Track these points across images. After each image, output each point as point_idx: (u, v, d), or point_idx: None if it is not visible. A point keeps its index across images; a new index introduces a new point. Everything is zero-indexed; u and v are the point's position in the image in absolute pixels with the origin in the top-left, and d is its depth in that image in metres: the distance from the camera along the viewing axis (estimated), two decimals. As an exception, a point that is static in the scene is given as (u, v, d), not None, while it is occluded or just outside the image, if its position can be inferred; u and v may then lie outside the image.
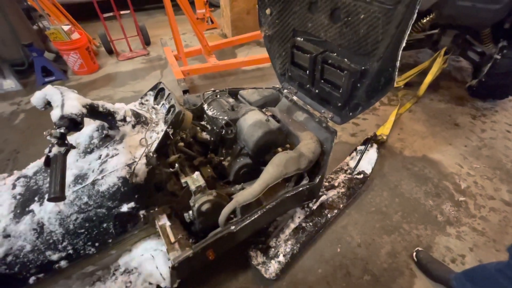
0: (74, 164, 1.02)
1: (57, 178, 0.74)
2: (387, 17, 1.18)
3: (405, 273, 1.41)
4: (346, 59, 1.44)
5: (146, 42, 3.58)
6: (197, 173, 1.14)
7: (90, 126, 1.11)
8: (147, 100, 1.35)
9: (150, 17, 4.78)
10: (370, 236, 1.57)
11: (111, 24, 3.87)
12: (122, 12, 3.36)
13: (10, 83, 2.78)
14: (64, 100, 0.87)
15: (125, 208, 1.01)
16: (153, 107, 1.27)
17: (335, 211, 1.61)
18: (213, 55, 2.96)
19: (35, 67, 2.78)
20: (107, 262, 1.18)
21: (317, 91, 1.68)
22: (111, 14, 3.18)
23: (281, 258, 1.40)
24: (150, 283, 1.16)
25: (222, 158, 1.40)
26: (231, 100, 1.54)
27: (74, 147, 0.91)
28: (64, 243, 0.97)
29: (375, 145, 1.93)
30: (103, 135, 1.05)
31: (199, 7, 2.64)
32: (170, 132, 1.07)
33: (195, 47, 3.13)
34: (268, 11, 1.72)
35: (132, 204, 1.02)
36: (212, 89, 1.65)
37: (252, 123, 1.34)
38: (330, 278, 1.40)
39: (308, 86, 1.73)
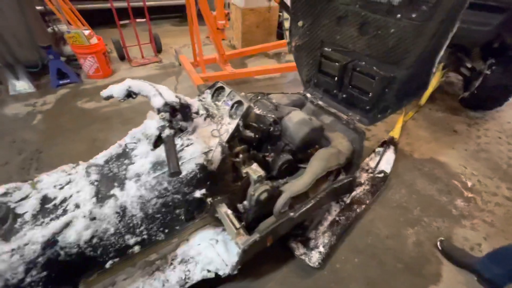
0: (149, 153, 1.08)
1: (173, 155, 0.81)
2: (417, 31, 1.36)
3: (432, 260, 1.55)
4: (374, 67, 1.62)
5: (158, 49, 3.66)
6: (255, 164, 1.23)
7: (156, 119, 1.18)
8: (204, 98, 1.44)
9: (157, 26, 4.88)
10: (396, 228, 1.70)
11: (123, 31, 3.94)
12: (138, 20, 3.45)
13: (23, 85, 2.74)
14: (159, 90, 0.95)
15: (198, 194, 1.08)
16: (215, 103, 1.36)
17: (363, 206, 1.74)
18: (229, 64, 3.10)
19: (51, 69, 2.77)
20: (166, 251, 1.22)
21: (344, 95, 1.85)
22: (127, 21, 3.26)
23: (321, 248, 1.49)
24: (208, 271, 1.21)
25: (267, 154, 1.50)
26: (273, 101, 1.66)
27: (182, 130, 0.99)
28: (142, 228, 1.02)
29: (392, 147, 2.11)
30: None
31: (220, 18, 2.80)
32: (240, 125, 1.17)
33: (210, 55, 3.25)
34: (300, 23, 1.89)
35: (203, 191, 1.09)
36: (252, 92, 1.76)
37: (297, 121, 1.47)
38: (366, 266, 1.51)
39: (335, 91, 1.90)
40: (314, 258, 1.45)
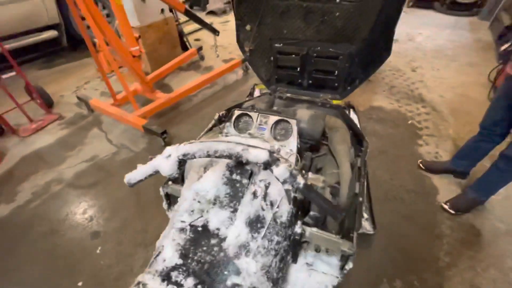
0: (233, 217, 0.90)
1: (324, 199, 0.72)
2: (360, 9, 1.61)
3: (425, 178, 1.98)
4: (331, 49, 1.82)
5: (49, 104, 2.82)
6: (309, 172, 1.22)
7: (217, 172, 0.98)
8: (228, 133, 1.27)
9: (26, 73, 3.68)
10: (389, 168, 2.06)
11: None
12: (4, 76, 2.50)
13: None
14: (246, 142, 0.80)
15: (297, 229, 0.99)
16: (248, 133, 1.22)
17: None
18: (157, 90, 2.74)
19: None
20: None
21: (310, 81, 2.00)
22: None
23: (364, 215, 1.66)
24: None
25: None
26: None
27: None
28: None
29: (352, 110, 2.46)
30: (239, 172, 0.97)
31: (132, 44, 2.37)
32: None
33: (123, 93, 2.76)
34: (248, 27, 1.88)
35: (299, 223, 1.01)
36: (224, 111, 1.65)
37: (309, 117, 1.50)
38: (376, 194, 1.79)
39: (299, 80, 2.02)
40: (367, 226, 1.60)
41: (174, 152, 0.88)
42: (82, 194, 1.97)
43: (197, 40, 4.44)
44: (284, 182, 0.79)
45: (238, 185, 0.96)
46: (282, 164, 0.78)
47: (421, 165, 2.06)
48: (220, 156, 0.85)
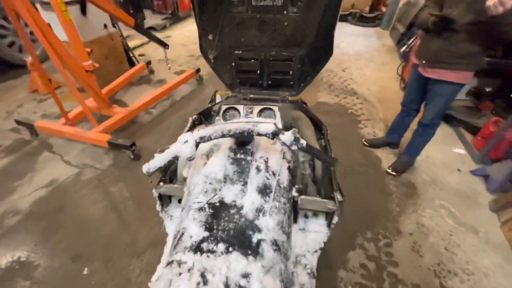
0: (244, 189, 1.04)
1: (320, 152, 0.93)
2: (304, 19, 1.97)
3: (371, 153, 2.44)
4: (284, 53, 2.13)
5: (-24, 133, 2.41)
6: None
7: (222, 155, 1.11)
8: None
9: None
10: (340, 152, 2.46)
11: None
12: None
13: None
14: (253, 120, 0.96)
15: (294, 193, 1.19)
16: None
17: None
18: (114, 105, 2.64)
19: None
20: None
21: (269, 82, 2.27)
22: None
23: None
24: (319, 249, 1.38)
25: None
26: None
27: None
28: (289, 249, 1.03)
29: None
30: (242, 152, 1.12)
31: (84, 59, 2.23)
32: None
33: (76, 110, 2.59)
34: (210, 36, 2.05)
35: (294, 188, 1.21)
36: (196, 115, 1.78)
37: (280, 108, 1.73)
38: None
39: (260, 82, 2.28)
40: (337, 195, 1.90)
41: (190, 137, 0.98)
42: (46, 221, 1.78)
43: (141, 55, 4.36)
44: (291, 145, 0.98)
45: (243, 162, 1.11)
46: (287, 132, 0.98)
47: (365, 143, 2.52)
48: (234, 134, 0.99)
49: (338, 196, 1.36)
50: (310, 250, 1.37)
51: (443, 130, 2.77)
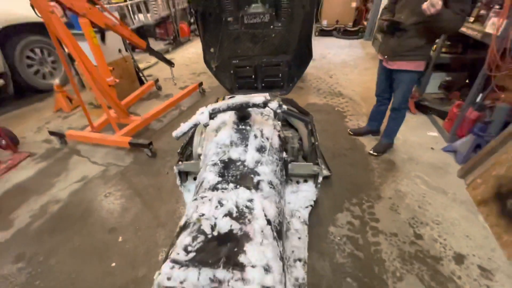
0: (246, 149, 1.40)
1: (295, 112, 1.30)
2: (288, 31, 2.42)
3: (356, 141, 2.80)
4: (273, 59, 2.58)
5: (15, 143, 2.81)
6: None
7: (228, 128, 1.48)
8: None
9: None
10: (326, 140, 2.83)
11: None
12: None
13: None
14: (247, 97, 1.34)
15: (284, 155, 1.55)
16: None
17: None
18: (131, 114, 3.06)
19: None
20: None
21: (263, 84, 2.70)
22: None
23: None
24: (310, 206, 1.71)
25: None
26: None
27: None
28: (282, 190, 1.38)
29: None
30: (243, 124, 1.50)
31: (107, 76, 2.68)
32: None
33: (101, 118, 3.01)
34: (212, 50, 2.50)
35: (284, 152, 1.57)
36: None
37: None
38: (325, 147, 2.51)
39: (255, 85, 2.70)
40: (325, 172, 2.24)
41: (205, 110, 1.36)
42: (82, 207, 2.12)
43: (149, 75, 4.87)
44: (276, 109, 1.35)
45: (244, 131, 1.48)
46: (273, 101, 1.36)
47: (350, 132, 2.89)
48: (236, 106, 1.37)
49: (319, 162, 1.72)
50: (302, 206, 1.72)
51: (419, 119, 3.15)
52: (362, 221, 1.90)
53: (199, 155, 1.77)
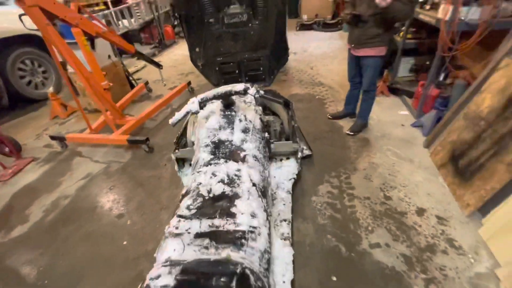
0: (232, 130, 1.65)
1: (272, 96, 1.56)
2: (265, 28, 2.68)
3: (335, 124, 3.08)
4: (254, 55, 2.83)
5: (18, 149, 2.98)
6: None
7: (216, 115, 1.73)
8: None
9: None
10: (307, 124, 3.11)
11: None
12: None
13: None
14: (230, 86, 1.59)
15: (266, 135, 1.80)
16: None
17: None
18: (126, 115, 3.26)
19: None
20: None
21: (247, 78, 2.95)
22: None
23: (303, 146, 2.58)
24: (293, 179, 1.98)
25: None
26: None
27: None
28: (266, 164, 1.64)
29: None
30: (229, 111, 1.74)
31: (102, 80, 2.88)
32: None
33: (98, 120, 3.20)
34: (197, 49, 2.73)
35: (266, 133, 1.83)
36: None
37: None
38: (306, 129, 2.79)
39: (240, 79, 2.95)
40: (307, 151, 2.51)
41: (195, 99, 1.60)
42: (91, 199, 2.33)
43: (138, 79, 5.04)
44: (255, 94, 1.60)
45: (230, 116, 1.73)
46: (252, 88, 1.61)
47: (329, 116, 3.18)
48: (221, 94, 1.61)
49: (298, 140, 1.98)
50: (286, 179, 1.99)
51: (392, 100, 3.47)
52: (340, 190, 2.18)
53: (193, 142, 2.01)
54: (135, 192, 2.36)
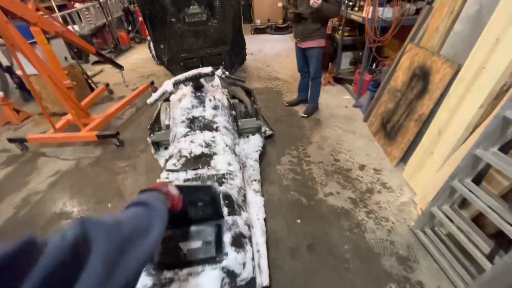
0: (204, 108, 1.92)
1: (235, 78, 1.87)
2: (223, 26, 3.02)
3: (292, 111, 3.52)
4: (215, 50, 3.14)
5: (-28, 156, 2.81)
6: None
7: (188, 97, 1.97)
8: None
9: None
10: (269, 113, 3.51)
11: None
12: None
13: None
14: (198, 70, 1.86)
15: (233, 112, 2.12)
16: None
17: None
18: (91, 114, 3.29)
19: None
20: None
21: (210, 72, 3.22)
22: None
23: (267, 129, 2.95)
24: (259, 150, 2.31)
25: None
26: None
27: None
28: (235, 134, 1.94)
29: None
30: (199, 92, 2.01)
31: (64, 79, 2.86)
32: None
33: (62, 121, 3.17)
34: (162, 46, 2.93)
35: (233, 111, 2.14)
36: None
37: None
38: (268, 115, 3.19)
39: (204, 73, 3.22)
40: (268, 131, 2.88)
41: (169, 81, 1.84)
42: (67, 191, 2.37)
43: (97, 83, 4.96)
44: (221, 75, 1.91)
45: (201, 97, 2.01)
46: (218, 70, 1.91)
47: (286, 104, 3.62)
48: (192, 76, 1.88)
49: (261, 118, 2.33)
50: (253, 151, 2.32)
51: (337, 88, 4.05)
52: (299, 159, 2.58)
53: (167, 126, 2.23)
54: (112, 179, 2.46)
